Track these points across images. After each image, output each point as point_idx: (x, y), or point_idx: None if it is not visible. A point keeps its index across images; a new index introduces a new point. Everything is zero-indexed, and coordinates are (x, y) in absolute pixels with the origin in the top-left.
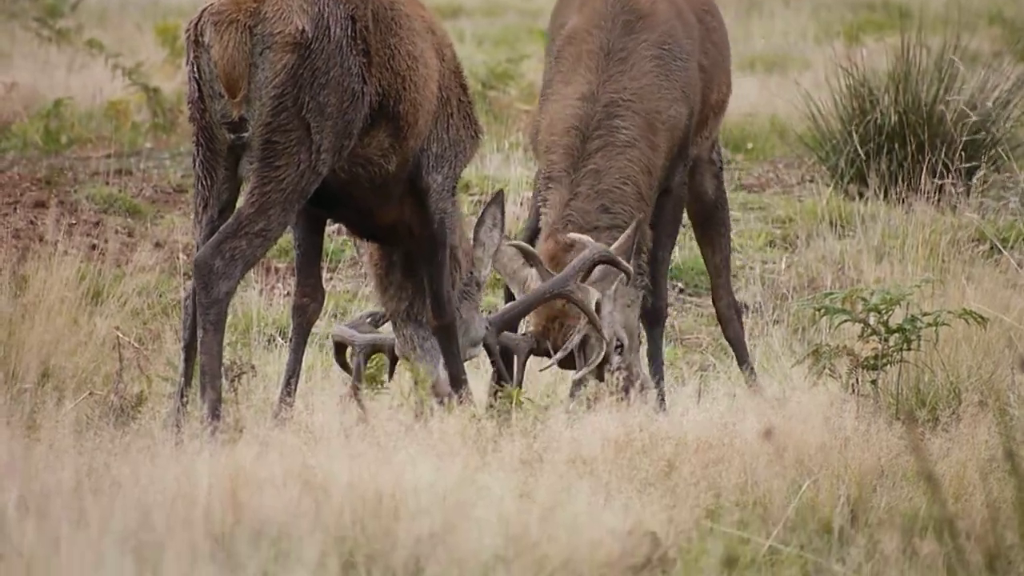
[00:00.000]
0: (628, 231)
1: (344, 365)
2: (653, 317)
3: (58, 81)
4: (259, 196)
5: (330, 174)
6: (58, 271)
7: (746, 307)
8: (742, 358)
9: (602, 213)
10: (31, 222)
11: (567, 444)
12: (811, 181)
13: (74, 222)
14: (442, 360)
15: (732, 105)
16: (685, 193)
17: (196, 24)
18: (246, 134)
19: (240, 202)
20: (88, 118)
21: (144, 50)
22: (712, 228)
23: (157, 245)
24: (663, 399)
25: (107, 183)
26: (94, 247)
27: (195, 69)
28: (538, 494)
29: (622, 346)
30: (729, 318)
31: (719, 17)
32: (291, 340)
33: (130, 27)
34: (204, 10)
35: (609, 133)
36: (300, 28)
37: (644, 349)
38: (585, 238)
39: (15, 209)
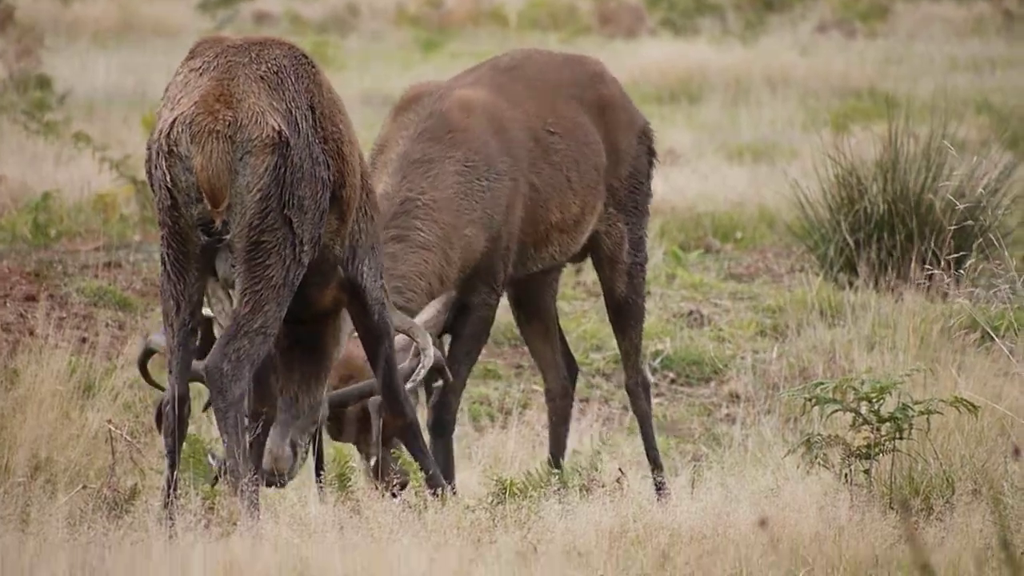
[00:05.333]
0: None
1: (147, 375)
2: (438, 429)
3: (46, 174)
4: (252, 295)
5: None
6: (49, 364)
7: (737, 397)
8: (647, 434)
9: (396, 294)
10: (21, 315)
11: (561, 535)
12: (800, 270)
13: (64, 315)
14: (286, 433)
15: (720, 194)
16: (489, 313)
17: (167, 135)
18: (227, 236)
19: (234, 303)
20: (77, 211)
21: (131, 142)
22: (622, 319)
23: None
24: (660, 488)
25: (96, 276)
26: (84, 340)
27: (168, 178)
28: None
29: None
30: (637, 394)
31: (574, 135)
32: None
33: (117, 119)
34: (175, 120)
35: (406, 230)
36: (276, 128)
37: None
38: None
39: (5, 303)
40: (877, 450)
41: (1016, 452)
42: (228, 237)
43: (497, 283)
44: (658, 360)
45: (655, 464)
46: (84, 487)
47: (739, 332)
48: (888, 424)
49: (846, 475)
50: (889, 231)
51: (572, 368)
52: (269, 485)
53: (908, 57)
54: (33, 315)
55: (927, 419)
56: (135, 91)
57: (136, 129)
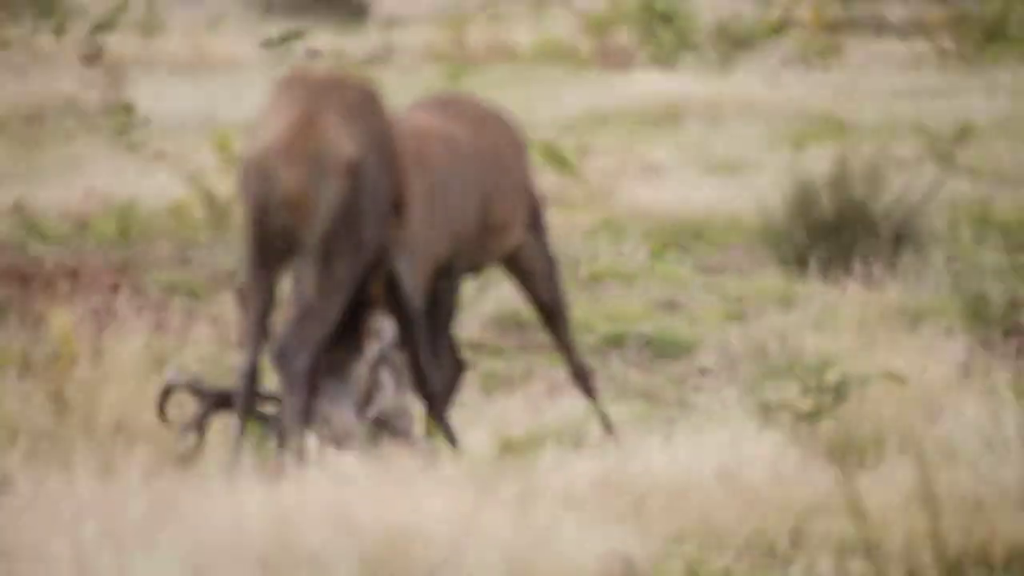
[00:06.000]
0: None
1: (163, 413)
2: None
3: (129, 185)
4: (320, 288)
5: None
6: (129, 343)
7: (705, 370)
8: (598, 409)
9: None
10: (107, 303)
11: (556, 483)
12: (761, 266)
13: (142, 303)
14: (348, 404)
15: (697, 202)
16: (450, 297)
17: (260, 157)
18: (304, 241)
19: (305, 292)
20: (155, 216)
21: (201, 159)
22: (552, 320)
23: (213, 321)
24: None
25: (170, 270)
26: (159, 324)
27: (258, 194)
28: (533, 525)
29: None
30: (582, 379)
31: (508, 156)
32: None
33: (189, 140)
34: (266, 145)
35: None
36: (353, 154)
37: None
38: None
39: (93, 292)
40: (821, 414)
41: (934, 417)
42: (305, 242)
43: (454, 275)
44: (640, 340)
45: (608, 429)
46: (158, 443)
47: (708, 317)
48: (830, 393)
49: (794, 435)
50: (836, 233)
51: (457, 367)
52: (338, 448)
53: (857, 87)
54: (116, 303)
55: (863, 389)
56: (206, 116)
57: (205, 148)
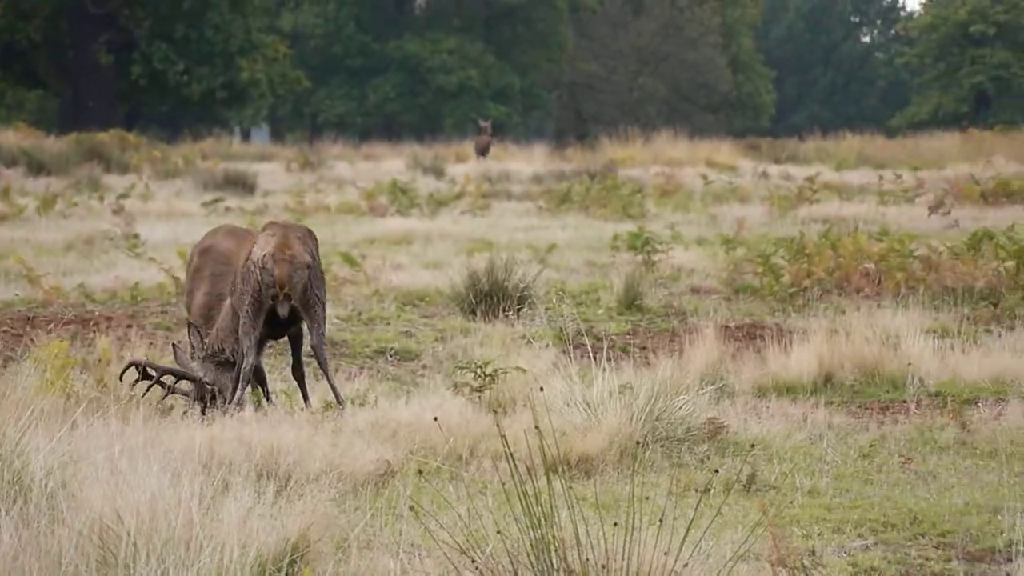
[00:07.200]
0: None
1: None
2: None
3: (136, 274)
4: (316, 323)
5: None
6: (136, 352)
7: (425, 367)
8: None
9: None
10: (125, 334)
11: (352, 423)
12: (450, 314)
13: (143, 334)
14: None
15: (421, 284)
16: None
17: (262, 260)
18: (290, 304)
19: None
20: (149, 290)
21: (172, 260)
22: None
23: (175, 340)
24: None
25: (156, 317)
26: (151, 344)
27: (261, 280)
28: (339, 444)
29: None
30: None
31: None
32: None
33: (167, 251)
34: (264, 254)
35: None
36: (308, 259)
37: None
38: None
39: (119, 328)
40: (484, 388)
41: (541, 388)
42: (283, 303)
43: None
44: (392, 351)
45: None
46: (148, 404)
47: (426, 339)
48: (489, 377)
49: (470, 398)
50: (489, 297)
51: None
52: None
53: (498, 225)
54: (129, 334)
55: (505, 375)
56: (174, 240)
57: (173, 256)
